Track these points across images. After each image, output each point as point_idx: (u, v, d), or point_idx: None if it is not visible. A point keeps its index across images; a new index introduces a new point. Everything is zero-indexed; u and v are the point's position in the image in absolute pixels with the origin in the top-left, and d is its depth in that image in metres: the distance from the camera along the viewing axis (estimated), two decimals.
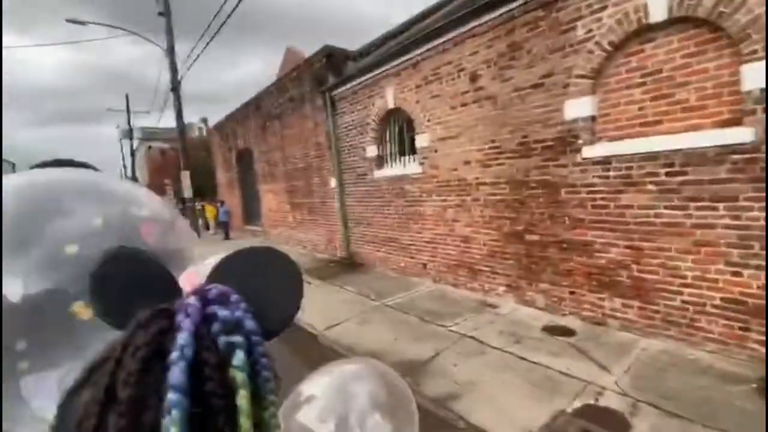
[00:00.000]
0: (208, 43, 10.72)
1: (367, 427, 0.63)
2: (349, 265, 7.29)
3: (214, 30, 9.17)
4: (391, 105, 5.90)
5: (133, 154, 31.37)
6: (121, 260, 0.39)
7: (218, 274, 0.38)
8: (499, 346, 3.52)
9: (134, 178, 32.11)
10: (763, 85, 2.66)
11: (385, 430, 0.64)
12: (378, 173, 6.43)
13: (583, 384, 2.82)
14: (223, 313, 0.31)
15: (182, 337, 0.28)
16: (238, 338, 0.30)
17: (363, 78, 6.33)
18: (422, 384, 3.03)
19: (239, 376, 0.28)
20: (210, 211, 15.72)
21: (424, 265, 5.75)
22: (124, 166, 33.51)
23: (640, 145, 3.31)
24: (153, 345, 0.28)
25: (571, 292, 3.95)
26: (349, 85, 6.73)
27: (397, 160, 6.26)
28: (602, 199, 3.59)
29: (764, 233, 2.76)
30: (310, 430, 0.61)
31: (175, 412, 0.24)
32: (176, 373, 0.26)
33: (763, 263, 2.78)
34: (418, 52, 5.24)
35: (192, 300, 0.31)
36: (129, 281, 0.37)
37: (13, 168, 41.61)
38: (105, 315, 0.36)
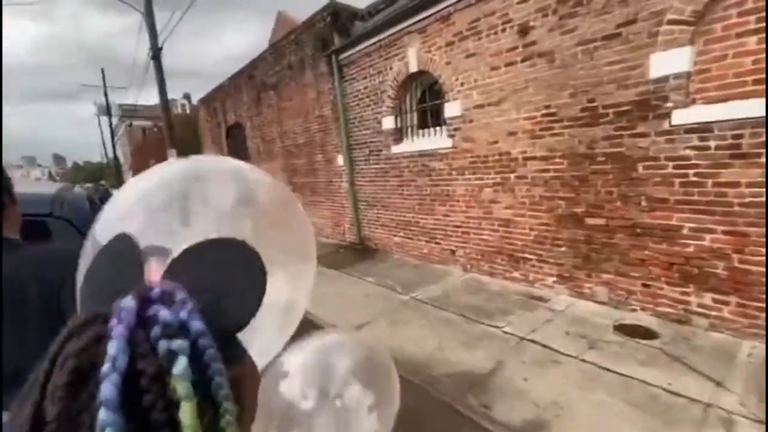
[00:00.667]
0: (187, 9, 9.62)
1: (347, 397, 0.64)
2: (361, 251, 6.64)
3: None
4: (413, 68, 5.11)
5: (113, 132, 29.61)
6: (115, 247, 0.37)
7: (175, 268, 0.35)
8: (571, 352, 2.95)
9: (116, 158, 30.51)
10: None
11: (365, 400, 0.65)
12: (396, 149, 5.69)
13: (699, 406, 2.27)
14: (164, 314, 0.28)
15: (113, 346, 0.25)
16: (180, 343, 0.27)
17: (379, 37, 5.49)
18: (493, 407, 2.45)
19: (180, 387, 0.25)
20: None
21: (452, 251, 5.13)
22: (104, 146, 31.81)
23: (755, 108, 2.66)
24: (84, 355, 0.25)
25: (645, 285, 3.38)
26: (360, 47, 5.88)
27: (419, 133, 5.53)
28: (696, 175, 2.97)
29: None
30: (291, 404, 0.63)
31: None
32: (108, 388, 0.23)
33: None
34: (450, 2, 4.43)
35: (127, 302, 0.28)
36: (105, 273, 0.36)
37: None
38: (81, 307, 0.36)
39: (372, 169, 6.24)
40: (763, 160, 2.69)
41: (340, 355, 0.71)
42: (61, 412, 0.23)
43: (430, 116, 5.31)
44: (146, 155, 22.08)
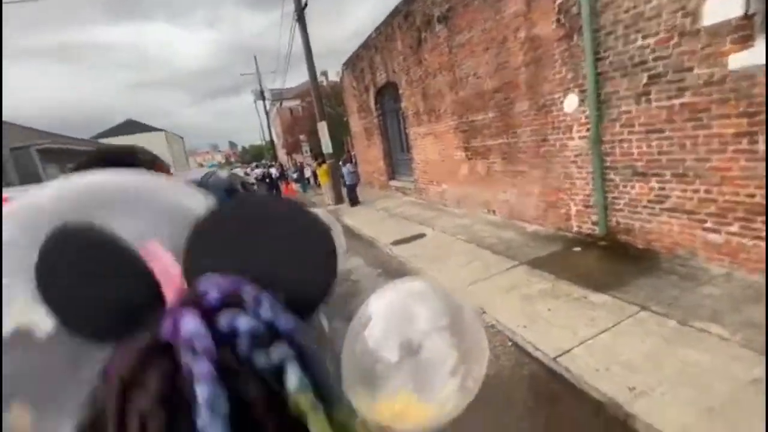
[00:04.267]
0: None
1: (428, 348, 0.57)
2: (610, 250, 4.07)
3: None
4: None
5: (267, 115, 32.61)
6: (71, 242, 0.27)
7: (197, 249, 0.26)
8: None
9: (271, 139, 33.76)
10: None
11: (449, 354, 0.59)
12: (740, 59, 2.83)
13: None
14: (244, 323, 0.22)
15: (205, 392, 0.20)
16: (280, 350, 0.22)
17: None
18: None
19: (304, 401, 0.21)
20: (322, 173, 11.46)
21: None
22: (262, 127, 35.58)
23: None
24: (166, 407, 0.20)
25: None
26: None
27: None
28: None
29: None
30: (373, 352, 0.58)
31: None
32: None
33: None
34: None
35: (191, 322, 0.21)
36: (83, 272, 0.26)
37: (182, 141, 48.89)
38: (62, 324, 0.26)
39: (654, 110, 3.49)
40: None
41: (422, 303, 0.63)
42: None
43: None
44: (296, 132, 23.01)
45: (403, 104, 8.77)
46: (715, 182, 3.16)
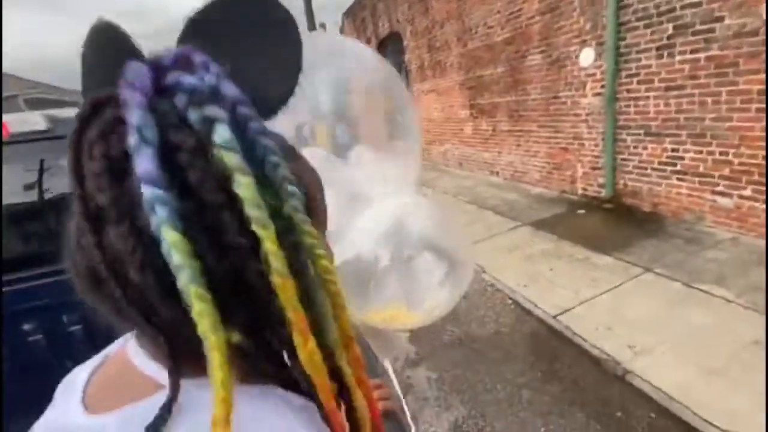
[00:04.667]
0: None
1: (418, 259, 0.59)
2: (614, 213, 4.00)
3: None
4: None
5: None
6: (101, 40, 0.28)
7: (188, 40, 0.27)
8: None
9: None
10: None
11: (439, 266, 0.60)
12: None
13: None
14: (187, 79, 0.22)
15: (134, 116, 0.21)
16: (214, 109, 0.22)
17: None
18: None
19: (228, 158, 0.21)
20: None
21: None
22: None
23: None
24: (109, 139, 0.22)
25: None
26: None
27: None
28: None
29: None
30: (364, 260, 0.58)
31: (160, 210, 0.19)
32: (143, 162, 0.20)
33: None
34: None
35: (136, 66, 0.22)
36: (105, 67, 0.27)
37: None
38: None
39: (677, 64, 3.28)
40: None
41: (414, 215, 0.63)
42: (114, 197, 0.21)
43: None
44: None
45: (406, 57, 8.33)
46: (733, 143, 3.03)
